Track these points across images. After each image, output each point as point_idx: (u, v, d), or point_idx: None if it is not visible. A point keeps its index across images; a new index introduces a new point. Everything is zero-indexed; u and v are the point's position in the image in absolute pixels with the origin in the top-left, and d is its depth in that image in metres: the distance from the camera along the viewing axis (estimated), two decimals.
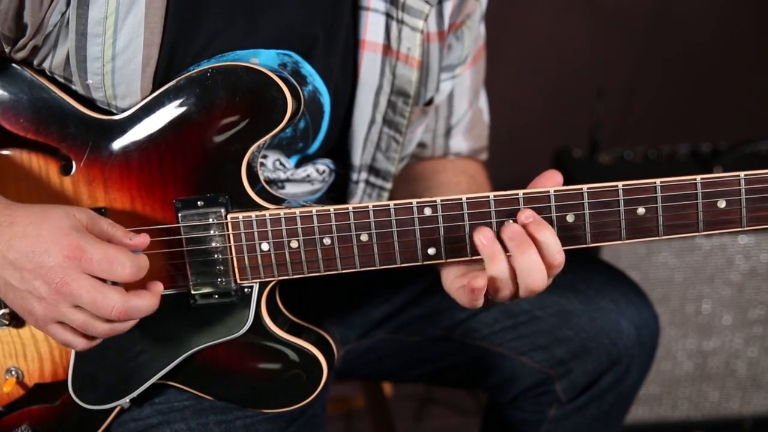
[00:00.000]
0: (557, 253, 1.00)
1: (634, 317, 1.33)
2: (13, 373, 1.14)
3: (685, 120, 2.88)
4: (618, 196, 1.00)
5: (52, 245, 0.96)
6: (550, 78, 2.81)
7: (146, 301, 1.01)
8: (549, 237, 1.00)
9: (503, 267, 1.01)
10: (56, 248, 0.96)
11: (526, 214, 1.01)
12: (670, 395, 2.12)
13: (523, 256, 1.00)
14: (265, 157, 1.21)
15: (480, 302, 1.04)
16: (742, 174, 0.99)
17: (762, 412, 2.15)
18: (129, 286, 1.01)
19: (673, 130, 2.83)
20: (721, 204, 1.00)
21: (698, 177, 1.00)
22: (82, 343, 1.03)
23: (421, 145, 1.41)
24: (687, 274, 2.03)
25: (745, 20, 2.81)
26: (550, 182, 1.03)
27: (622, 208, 1.01)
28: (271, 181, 1.23)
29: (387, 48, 1.21)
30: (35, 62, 1.09)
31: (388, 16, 1.20)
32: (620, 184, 1.00)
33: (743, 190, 1.00)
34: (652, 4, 2.75)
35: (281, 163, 1.23)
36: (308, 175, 1.25)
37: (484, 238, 1.01)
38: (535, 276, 1.00)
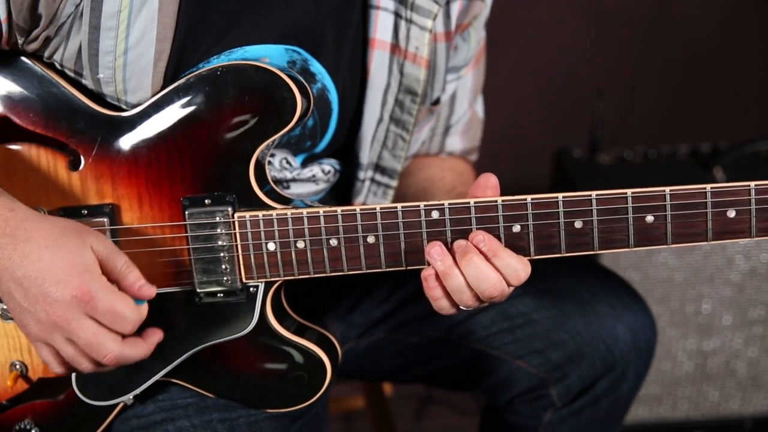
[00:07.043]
0: (515, 274, 1.01)
1: (630, 322, 1.32)
2: (18, 367, 1.14)
3: (685, 120, 2.88)
4: (627, 204, 1.00)
5: (63, 280, 0.96)
6: (550, 78, 2.81)
7: (140, 351, 1.03)
8: (505, 260, 1.01)
9: (458, 281, 1.01)
10: (66, 284, 0.96)
11: (477, 240, 1.01)
12: (670, 395, 2.12)
13: (467, 267, 1.01)
14: (272, 156, 1.21)
15: (438, 300, 1.05)
16: (752, 184, 0.99)
17: (762, 412, 2.15)
18: None
19: (673, 130, 2.83)
20: (731, 213, 1.00)
21: (708, 186, 0.99)
22: (60, 370, 1.04)
23: None
24: (687, 274, 2.03)
25: (745, 20, 2.81)
26: (490, 190, 1.03)
27: (630, 215, 1.01)
28: (276, 181, 1.23)
29: (395, 47, 1.21)
30: (46, 54, 1.08)
31: (397, 15, 1.20)
32: (629, 191, 1.00)
33: (753, 200, 0.99)
34: (652, 4, 2.75)
35: (288, 162, 1.23)
36: (314, 175, 1.26)
37: (435, 254, 1.02)
38: (484, 285, 1.00)
